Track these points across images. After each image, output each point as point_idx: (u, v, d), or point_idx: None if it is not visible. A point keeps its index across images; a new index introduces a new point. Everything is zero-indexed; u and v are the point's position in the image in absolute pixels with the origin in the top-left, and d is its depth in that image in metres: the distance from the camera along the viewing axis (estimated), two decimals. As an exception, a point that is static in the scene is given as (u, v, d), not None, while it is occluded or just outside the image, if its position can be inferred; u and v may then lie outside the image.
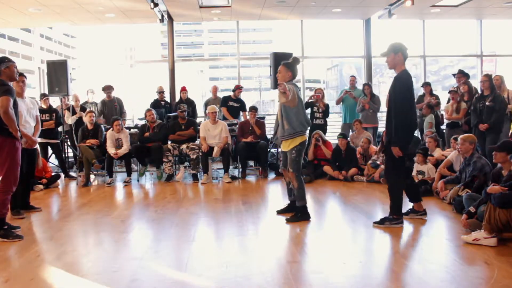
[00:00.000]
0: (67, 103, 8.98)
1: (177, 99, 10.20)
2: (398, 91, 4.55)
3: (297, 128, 4.94)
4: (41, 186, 7.41)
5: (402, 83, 4.54)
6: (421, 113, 9.16)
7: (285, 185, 5.54)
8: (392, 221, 4.71)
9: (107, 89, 9.38)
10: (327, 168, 7.81)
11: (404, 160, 4.76)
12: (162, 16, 9.96)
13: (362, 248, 4.14)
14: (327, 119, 8.81)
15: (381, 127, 9.93)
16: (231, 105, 9.30)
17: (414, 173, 7.38)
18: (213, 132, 8.01)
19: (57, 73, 8.32)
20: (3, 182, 4.48)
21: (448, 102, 8.51)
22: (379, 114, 9.39)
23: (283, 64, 5.13)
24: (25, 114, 5.29)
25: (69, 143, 9.02)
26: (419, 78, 12.51)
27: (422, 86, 9.57)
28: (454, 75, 8.55)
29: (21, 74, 5.31)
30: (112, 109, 9.33)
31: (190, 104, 9.51)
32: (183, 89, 9.67)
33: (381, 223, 4.74)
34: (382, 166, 7.28)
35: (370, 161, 7.65)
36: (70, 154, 9.23)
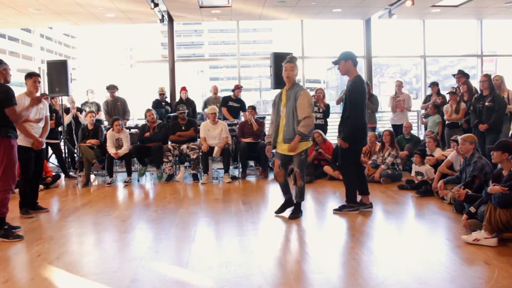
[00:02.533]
0: (64, 104, 8.98)
1: (178, 99, 10.20)
2: (353, 94, 5.17)
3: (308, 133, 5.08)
4: (41, 186, 7.40)
5: (357, 87, 5.15)
6: (425, 112, 9.17)
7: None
8: (350, 208, 5.32)
9: (111, 88, 9.40)
10: (327, 168, 7.81)
11: (359, 154, 5.49)
12: (162, 16, 9.97)
13: (362, 248, 4.13)
14: (327, 119, 8.80)
15: (380, 127, 9.97)
16: (231, 105, 9.31)
17: (412, 173, 7.40)
18: (213, 132, 8.02)
19: (58, 73, 8.33)
20: (2, 181, 4.49)
21: (447, 102, 8.52)
22: (377, 114, 9.40)
23: (292, 61, 5.35)
24: (33, 114, 5.29)
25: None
26: (420, 78, 12.51)
27: (429, 86, 9.57)
28: (454, 75, 8.55)
29: (36, 75, 5.40)
30: (114, 109, 9.34)
31: (190, 104, 9.52)
32: (183, 89, 9.68)
33: (340, 210, 5.35)
34: (382, 166, 7.30)
35: (370, 161, 7.65)
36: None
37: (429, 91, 9.63)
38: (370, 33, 11.72)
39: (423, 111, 9.49)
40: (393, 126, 9.37)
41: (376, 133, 9.00)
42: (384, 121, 11.47)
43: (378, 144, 7.89)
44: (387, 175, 7.25)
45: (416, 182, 6.77)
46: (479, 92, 7.25)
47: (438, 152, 7.27)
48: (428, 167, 7.06)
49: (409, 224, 5.15)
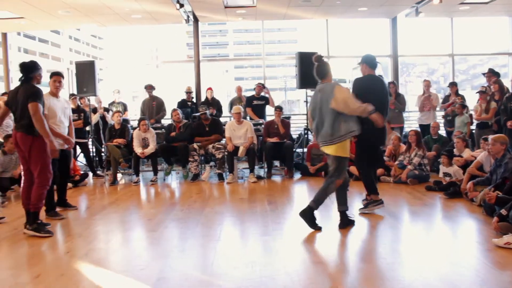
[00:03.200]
0: (92, 104, 9.13)
1: (203, 99, 10.26)
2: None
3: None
4: (70, 185, 7.55)
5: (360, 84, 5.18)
6: (446, 112, 9.01)
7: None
8: (374, 203, 5.30)
9: (148, 88, 9.50)
10: (352, 169, 7.71)
11: (375, 151, 5.53)
12: (188, 16, 10.04)
13: (389, 249, 4.08)
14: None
15: (407, 127, 9.82)
16: (256, 103, 9.31)
17: (440, 174, 7.27)
18: (239, 132, 8.03)
19: (85, 74, 8.49)
20: (40, 177, 4.68)
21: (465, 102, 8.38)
22: (405, 114, 9.26)
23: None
24: (59, 114, 5.37)
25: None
26: (448, 77, 12.28)
27: (448, 86, 9.41)
28: (484, 74, 8.36)
29: (58, 74, 5.45)
30: (150, 108, 9.44)
31: (216, 104, 9.57)
32: (209, 89, 9.74)
33: (365, 207, 5.33)
34: (409, 167, 7.19)
35: (397, 162, 7.54)
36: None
37: (447, 91, 9.48)
38: (397, 32, 11.55)
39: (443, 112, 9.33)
40: (420, 126, 9.23)
41: (404, 133, 8.89)
42: (410, 121, 11.30)
43: (403, 145, 7.77)
44: (414, 175, 7.13)
45: (444, 183, 6.64)
46: (511, 91, 7.07)
47: (467, 153, 7.12)
48: (456, 168, 6.92)
49: (437, 226, 5.06)
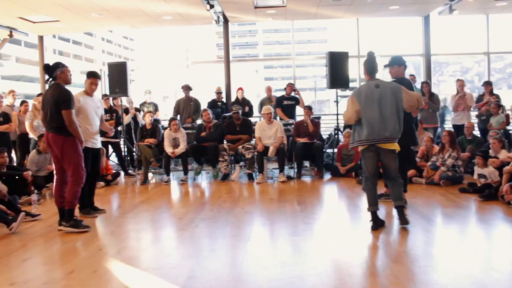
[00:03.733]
0: (124, 105, 9.28)
1: (233, 99, 10.30)
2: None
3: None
4: (102, 183, 7.71)
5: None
6: (479, 112, 8.79)
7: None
8: (387, 197, 5.49)
9: (185, 88, 9.59)
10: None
11: (406, 151, 5.37)
12: (218, 17, 10.09)
13: (421, 252, 4.00)
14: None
15: (441, 128, 9.61)
16: (286, 103, 9.29)
17: (475, 176, 7.08)
18: (269, 132, 8.03)
19: (117, 75, 8.65)
20: (74, 175, 4.82)
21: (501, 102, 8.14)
22: (438, 114, 9.06)
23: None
24: (92, 114, 5.47)
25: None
26: (482, 76, 11.96)
27: (482, 85, 9.17)
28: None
29: (95, 76, 5.52)
30: (187, 108, 9.53)
31: (247, 103, 9.59)
32: (240, 89, 9.78)
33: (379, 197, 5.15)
34: (442, 168, 7.03)
35: (429, 163, 7.39)
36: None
37: (481, 91, 9.23)
38: (429, 30, 11.32)
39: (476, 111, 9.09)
40: (454, 126, 9.02)
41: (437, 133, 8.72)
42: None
43: (436, 146, 7.61)
44: (447, 177, 6.97)
45: (479, 185, 6.47)
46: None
47: (503, 154, 6.91)
48: (492, 170, 6.72)
49: (471, 229, 4.93)
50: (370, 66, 4.74)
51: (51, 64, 4.95)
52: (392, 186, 4.76)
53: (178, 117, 9.36)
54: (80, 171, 4.86)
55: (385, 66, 5.37)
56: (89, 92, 5.50)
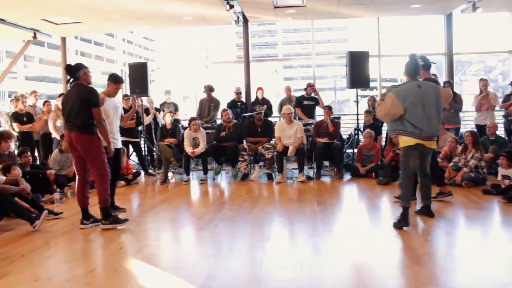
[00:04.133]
0: (145, 105, 9.36)
1: (253, 99, 10.31)
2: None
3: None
4: (123, 183, 7.80)
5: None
6: (507, 112, 8.61)
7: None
8: (443, 195, 5.78)
9: (207, 89, 9.64)
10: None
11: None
12: (238, 17, 10.10)
13: (443, 254, 3.94)
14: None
15: (463, 128, 9.45)
16: (306, 104, 9.26)
17: (498, 177, 6.93)
18: (288, 132, 8.01)
19: (138, 75, 8.72)
20: (100, 173, 4.88)
21: None
22: (461, 114, 8.91)
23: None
24: (112, 114, 5.52)
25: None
26: (507, 75, 11.73)
27: (510, 84, 8.99)
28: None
29: (122, 82, 5.64)
30: (207, 108, 9.58)
31: (266, 103, 9.59)
32: (260, 89, 9.78)
33: (435, 197, 5.55)
34: (465, 169, 6.92)
35: (451, 164, 7.28)
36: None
37: (509, 90, 9.03)
38: (452, 29, 11.13)
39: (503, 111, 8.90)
40: (477, 126, 8.85)
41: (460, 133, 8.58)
42: (466, 121, 10.88)
43: (459, 147, 7.48)
44: (470, 178, 6.85)
45: (503, 186, 6.34)
46: None
47: (528, 155, 6.76)
48: (516, 170, 6.58)
49: (495, 232, 4.83)
50: (412, 68, 4.87)
51: (73, 65, 5.01)
52: (426, 184, 5.05)
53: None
54: (105, 168, 4.93)
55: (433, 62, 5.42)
56: (111, 95, 5.56)
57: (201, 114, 9.60)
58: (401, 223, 4.66)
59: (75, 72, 4.93)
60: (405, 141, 4.76)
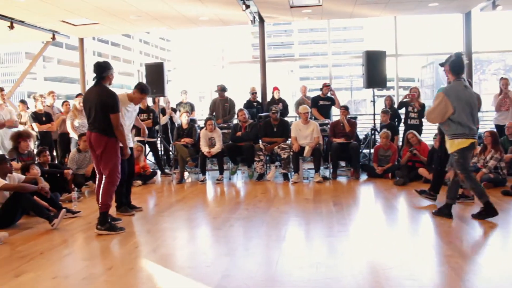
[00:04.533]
0: (161, 105, 9.42)
1: (269, 99, 10.30)
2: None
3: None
4: (139, 182, 7.86)
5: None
6: None
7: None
8: (467, 198, 5.75)
9: (219, 89, 9.65)
10: (422, 171, 7.45)
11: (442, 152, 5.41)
12: (254, 17, 10.11)
13: (461, 256, 3.87)
14: (422, 119, 8.42)
15: (482, 128, 9.32)
16: (322, 104, 9.23)
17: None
18: (305, 132, 7.98)
19: (154, 75, 8.79)
20: (109, 177, 4.84)
21: None
22: (480, 114, 8.77)
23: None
24: (126, 114, 5.47)
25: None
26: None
27: None
28: None
29: (146, 92, 5.63)
30: (221, 108, 9.60)
31: (282, 103, 9.58)
32: (275, 89, 9.77)
33: (458, 199, 5.44)
34: (484, 170, 6.81)
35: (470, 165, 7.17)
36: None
37: None
38: (471, 27, 10.98)
39: None
40: (497, 126, 8.72)
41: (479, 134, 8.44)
42: (485, 121, 10.73)
43: (478, 147, 7.37)
44: (489, 179, 6.75)
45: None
46: None
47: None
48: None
49: (515, 233, 4.76)
50: (458, 66, 4.91)
51: (103, 63, 4.94)
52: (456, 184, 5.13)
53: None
54: (116, 173, 4.88)
55: (441, 64, 5.25)
56: (134, 102, 5.54)
57: (217, 115, 9.58)
58: (489, 215, 4.83)
59: (103, 71, 4.85)
60: (459, 143, 4.80)
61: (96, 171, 5.08)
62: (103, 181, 4.90)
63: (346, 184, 7.64)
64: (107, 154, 4.81)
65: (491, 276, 3.34)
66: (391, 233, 4.66)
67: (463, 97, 4.79)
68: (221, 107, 9.59)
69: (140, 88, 5.53)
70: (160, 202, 6.70)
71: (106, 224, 4.80)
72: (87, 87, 4.98)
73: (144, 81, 8.76)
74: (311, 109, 9.02)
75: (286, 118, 9.23)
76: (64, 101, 9.03)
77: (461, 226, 4.73)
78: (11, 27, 9.27)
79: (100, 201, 4.84)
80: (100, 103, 4.72)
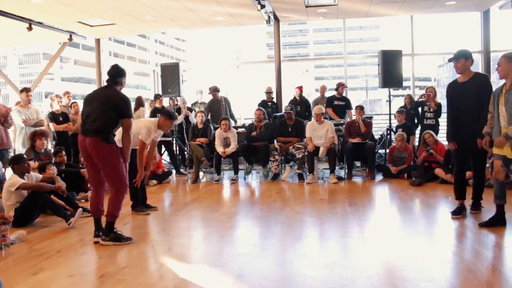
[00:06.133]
0: (177, 104, 9.47)
1: (283, 99, 10.28)
2: (487, 92, 4.89)
3: None
4: (154, 181, 7.91)
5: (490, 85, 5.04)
6: None
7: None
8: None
9: (212, 90, 9.72)
10: (438, 171, 7.37)
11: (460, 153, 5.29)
12: (269, 17, 10.10)
13: (479, 258, 3.82)
14: (439, 119, 8.34)
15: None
16: (337, 104, 9.19)
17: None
18: (319, 132, 7.95)
19: (170, 75, 8.85)
20: (116, 185, 4.39)
21: None
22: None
23: (504, 56, 4.63)
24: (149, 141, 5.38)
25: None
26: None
27: None
28: None
29: (174, 118, 5.52)
30: (219, 109, 9.63)
31: (304, 103, 9.55)
32: (297, 88, 9.70)
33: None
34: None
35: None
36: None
37: None
38: (489, 26, 10.82)
39: None
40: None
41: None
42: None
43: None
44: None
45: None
46: None
47: None
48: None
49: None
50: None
51: (121, 68, 4.53)
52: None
53: (210, 117, 9.54)
54: (124, 180, 4.41)
55: (450, 60, 5.09)
56: (163, 129, 5.43)
57: (214, 116, 9.59)
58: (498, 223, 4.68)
59: (120, 75, 4.46)
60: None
61: (89, 182, 4.71)
62: (110, 192, 4.46)
63: (361, 184, 7.60)
64: (108, 162, 4.31)
65: (511, 279, 3.29)
66: (407, 234, 4.62)
67: (495, 96, 4.66)
68: (218, 107, 9.61)
69: (168, 115, 5.39)
70: (175, 201, 6.74)
71: (111, 234, 4.43)
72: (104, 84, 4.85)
73: (160, 81, 8.82)
74: (326, 109, 8.98)
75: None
76: (72, 102, 9.05)
77: (479, 228, 4.65)
78: (30, 28, 9.39)
79: (107, 211, 4.46)
80: (109, 103, 4.28)
